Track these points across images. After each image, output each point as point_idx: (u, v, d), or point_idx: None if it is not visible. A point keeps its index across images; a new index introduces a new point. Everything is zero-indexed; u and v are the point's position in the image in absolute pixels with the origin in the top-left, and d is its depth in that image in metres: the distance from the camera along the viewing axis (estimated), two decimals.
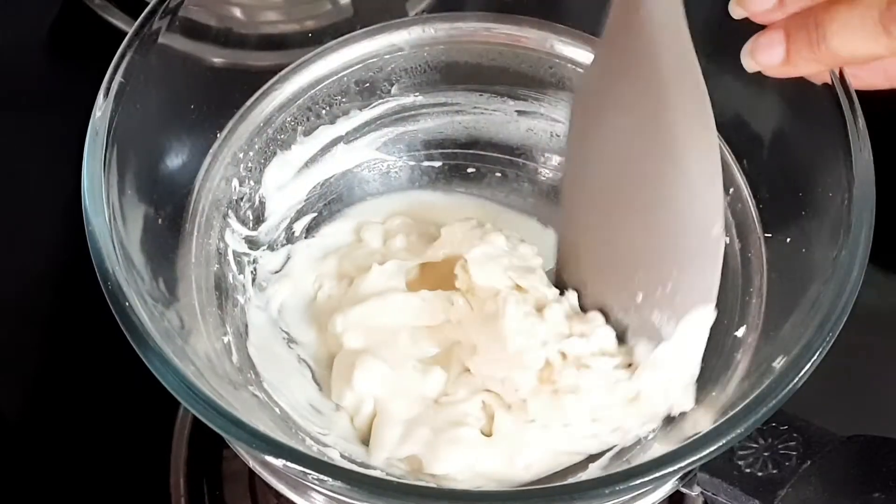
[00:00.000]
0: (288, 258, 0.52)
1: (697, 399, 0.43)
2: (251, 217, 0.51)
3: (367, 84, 0.53)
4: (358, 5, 0.55)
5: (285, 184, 0.52)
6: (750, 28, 0.42)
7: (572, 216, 0.49)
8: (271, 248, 0.52)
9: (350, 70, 0.52)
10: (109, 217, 0.38)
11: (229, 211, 0.49)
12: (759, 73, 0.42)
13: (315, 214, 0.54)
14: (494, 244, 0.49)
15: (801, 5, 0.40)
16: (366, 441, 0.46)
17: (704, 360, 0.46)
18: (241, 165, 0.50)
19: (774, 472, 0.38)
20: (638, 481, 0.34)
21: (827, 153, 0.41)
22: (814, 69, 0.41)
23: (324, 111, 0.53)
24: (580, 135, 0.47)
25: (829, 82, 0.41)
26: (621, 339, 0.46)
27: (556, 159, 0.55)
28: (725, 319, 0.45)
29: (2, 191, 0.65)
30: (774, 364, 0.38)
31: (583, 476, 0.43)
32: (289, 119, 0.52)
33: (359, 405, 0.46)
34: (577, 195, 0.48)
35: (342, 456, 0.44)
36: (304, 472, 0.34)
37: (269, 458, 0.34)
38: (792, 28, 0.40)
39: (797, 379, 0.36)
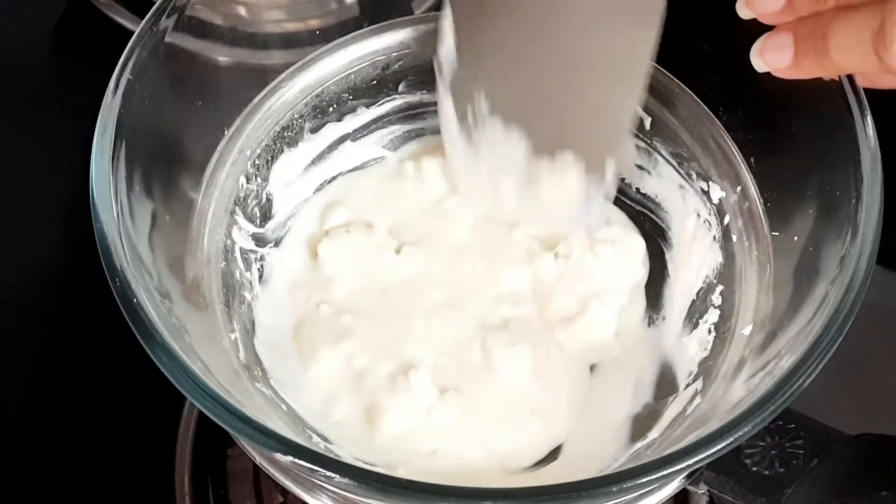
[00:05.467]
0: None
1: (703, 396, 0.44)
2: (258, 214, 0.51)
3: (374, 82, 0.53)
4: (364, 3, 0.55)
5: (292, 181, 0.53)
6: (759, 27, 0.42)
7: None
8: (278, 244, 0.52)
9: (357, 68, 0.53)
10: (117, 213, 0.38)
11: (236, 208, 0.49)
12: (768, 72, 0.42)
13: None
14: None
15: (809, 8, 0.40)
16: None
17: (711, 357, 0.46)
18: (249, 162, 0.50)
19: (781, 470, 0.38)
20: (645, 479, 0.34)
21: (835, 152, 0.41)
22: (820, 75, 0.41)
23: (331, 109, 0.53)
24: None
25: (837, 80, 0.41)
26: None
27: None
28: (732, 317, 0.46)
29: (7, 189, 0.65)
30: (782, 363, 0.38)
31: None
32: (296, 116, 0.52)
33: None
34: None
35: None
36: (311, 468, 0.34)
37: (277, 455, 0.34)
38: (800, 35, 0.40)
39: (804, 377, 0.36)
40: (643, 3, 0.42)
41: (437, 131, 0.52)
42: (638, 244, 0.52)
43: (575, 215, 0.49)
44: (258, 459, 0.41)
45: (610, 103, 0.45)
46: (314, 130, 0.53)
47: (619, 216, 0.54)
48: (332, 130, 0.53)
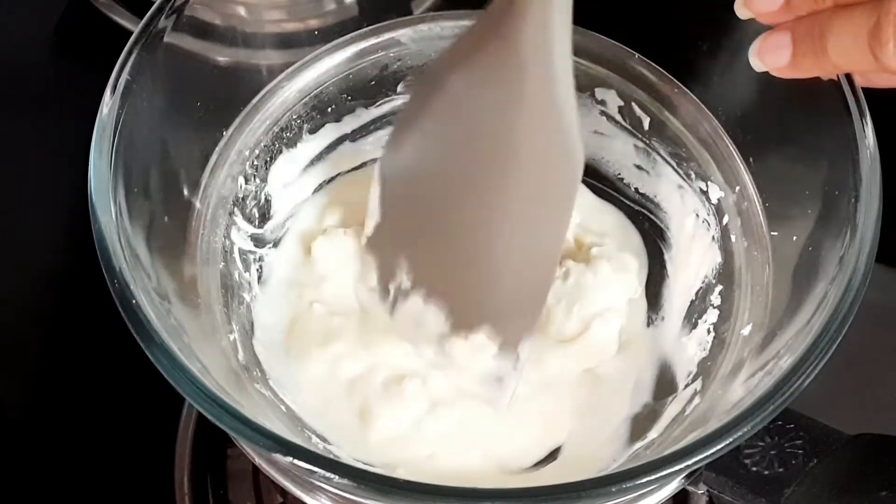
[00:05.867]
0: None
1: (703, 396, 0.44)
2: (257, 215, 0.51)
3: (373, 82, 0.53)
4: (363, 4, 0.55)
5: (291, 181, 0.53)
6: (757, 27, 0.42)
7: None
8: (276, 245, 0.52)
9: (356, 68, 0.52)
10: (116, 214, 0.38)
11: (235, 209, 0.49)
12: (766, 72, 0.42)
13: None
14: None
15: (807, 8, 0.40)
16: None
17: (710, 357, 0.46)
18: (247, 163, 0.50)
19: (781, 470, 0.38)
20: (644, 479, 0.34)
21: (833, 152, 0.41)
22: (818, 74, 0.41)
23: (330, 109, 0.53)
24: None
25: (836, 80, 0.41)
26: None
27: None
28: (731, 317, 0.46)
29: (7, 189, 0.65)
30: (781, 362, 0.38)
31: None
32: (294, 117, 0.52)
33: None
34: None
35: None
36: (310, 469, 0.34)
37: (276, 456, 0.34)
38: (798, 34, 0.40)
39: (804, 377, 0.36)
40: (557, 187, 0.42)
41: None
42: (632, 260, 0.52)
43: (487, 385, 0.47)
44: (257, 460, 0.41)
45: (529, 281, 0.44)
46: (313, 131, 0.53)
47: (617, 216, 0.54)
48: (331, 131, 0.53)
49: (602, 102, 0.52)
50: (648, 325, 0.51)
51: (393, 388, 0.47)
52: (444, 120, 0.41)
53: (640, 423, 0.47)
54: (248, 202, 0.50)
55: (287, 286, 0.51)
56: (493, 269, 0.43)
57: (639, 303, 0.52)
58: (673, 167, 0.51)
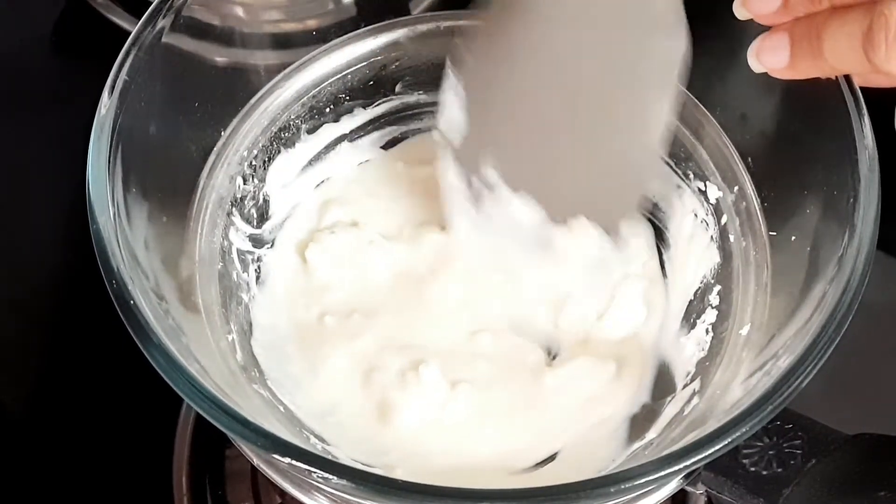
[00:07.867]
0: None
1: (701, 396, 0.43)
2: (255, 215, 0.51)
3: (371, 82, 0.53)
4: (361, 4, 0.55)
5: (289, 182, 0.53)
6: (756, 28, 0.42)
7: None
8: (274, 246, 0.52)
9: (353, 68, 0.53)
10: (114, 215, 0.38)
11: (233, 209, 0.49)
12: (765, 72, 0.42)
13: None
14: None
15: (804, 9, 0.40)
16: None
17: (708, 357, 0.46)
18: (246, 163, 0.50)
19: (779, 470, 0.38)
20: (643, 480, 0.34)
21: (832, 152, 0.41)
22: (816, 75, 0.41)
23: (328, 109, 0.53)
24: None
25: (835, 80, 0.41)
26: None
27: None
28: (730, 318, 0.46)
29: (6, 189, 0.65)
30: (780, 362, 0.38)
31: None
32: (293, 117, 0.52)
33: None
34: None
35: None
36: (308, 470, 0.34)
37: (275, 457, 0.34)
38: (796, 36, 0.40)
39: (802, 377, 0.36)
40: (657, 67, 0.42)
41: (430, 130, 0.52)
42: (637, 225, 0.51)
43: (590, 272, 0.48)
44: (256, 461, 0.41)
45: (625, 167, 0.45)
46: (311, 131, 0.53)
47: None
48: (329, 131, 0.53)
49: None
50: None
51: (409, 374, 0.47)
52: (531, 20, 0.42)
53: (639, 424, 0.47)
54: (246, 202, 0.50)
55: (288, 292, 0.51)
56: (586, 159, 0.44)
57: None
58: (671, 167, 0.51)
